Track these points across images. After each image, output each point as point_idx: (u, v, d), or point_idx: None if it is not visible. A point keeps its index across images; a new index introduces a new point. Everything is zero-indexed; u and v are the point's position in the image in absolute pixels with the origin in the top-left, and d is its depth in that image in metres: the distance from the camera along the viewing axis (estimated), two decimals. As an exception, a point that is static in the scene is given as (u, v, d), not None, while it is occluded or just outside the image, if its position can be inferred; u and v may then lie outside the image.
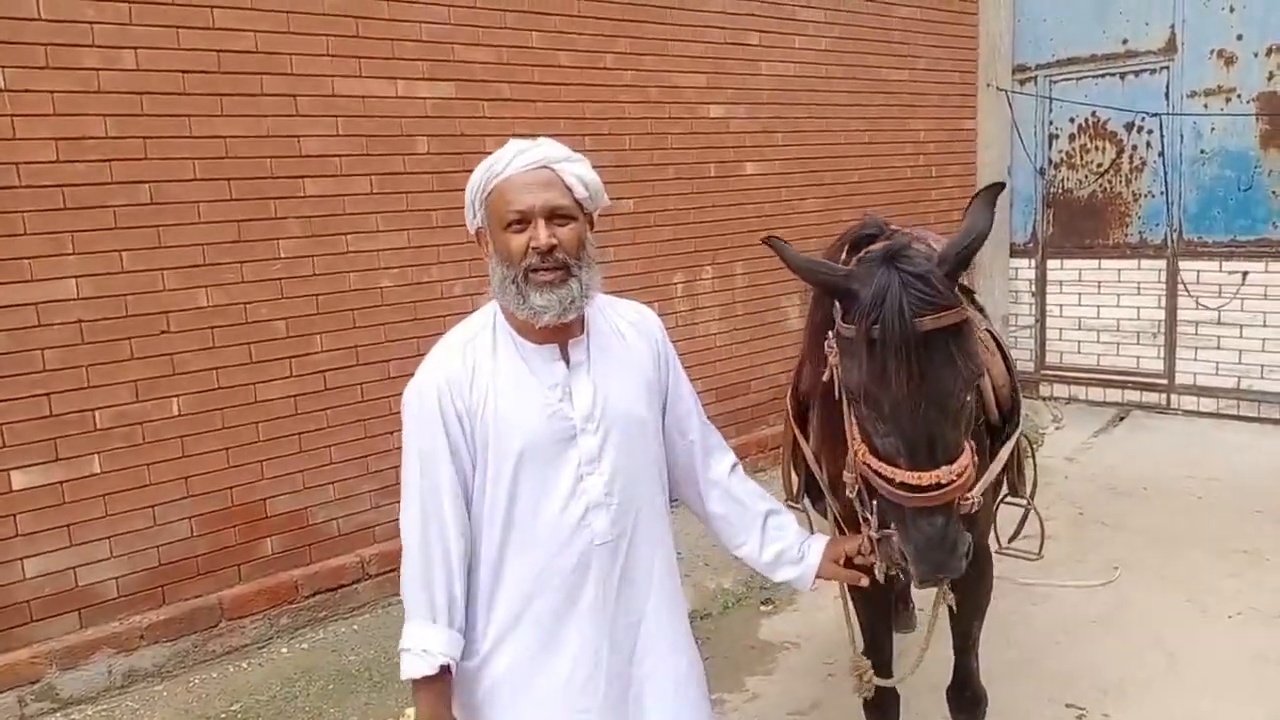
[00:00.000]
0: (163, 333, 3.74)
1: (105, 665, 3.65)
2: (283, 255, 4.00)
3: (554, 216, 1.82)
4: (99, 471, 3.64)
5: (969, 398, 1.92)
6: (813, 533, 2.88)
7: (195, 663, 3.85)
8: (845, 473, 2.10)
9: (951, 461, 1.85)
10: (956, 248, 1.90)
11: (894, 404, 1.82)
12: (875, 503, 2.00)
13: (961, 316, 1.84)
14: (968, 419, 1.95)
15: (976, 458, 2.01)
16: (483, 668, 1.92)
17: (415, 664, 1.83)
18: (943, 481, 1.82)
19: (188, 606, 3.85)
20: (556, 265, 1.81)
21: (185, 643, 3.83)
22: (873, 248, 2.06)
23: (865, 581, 2.21)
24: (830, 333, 2.00)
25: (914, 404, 1.80)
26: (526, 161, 1.83)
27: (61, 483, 3.57)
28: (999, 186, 2.00)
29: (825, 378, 2.07)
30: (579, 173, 1.86)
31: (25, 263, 3.44)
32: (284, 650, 4.00)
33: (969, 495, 1.95)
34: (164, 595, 3.81)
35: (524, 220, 1.81)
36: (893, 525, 1.96)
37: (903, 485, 1.85)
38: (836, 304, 1.97)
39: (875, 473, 1.91)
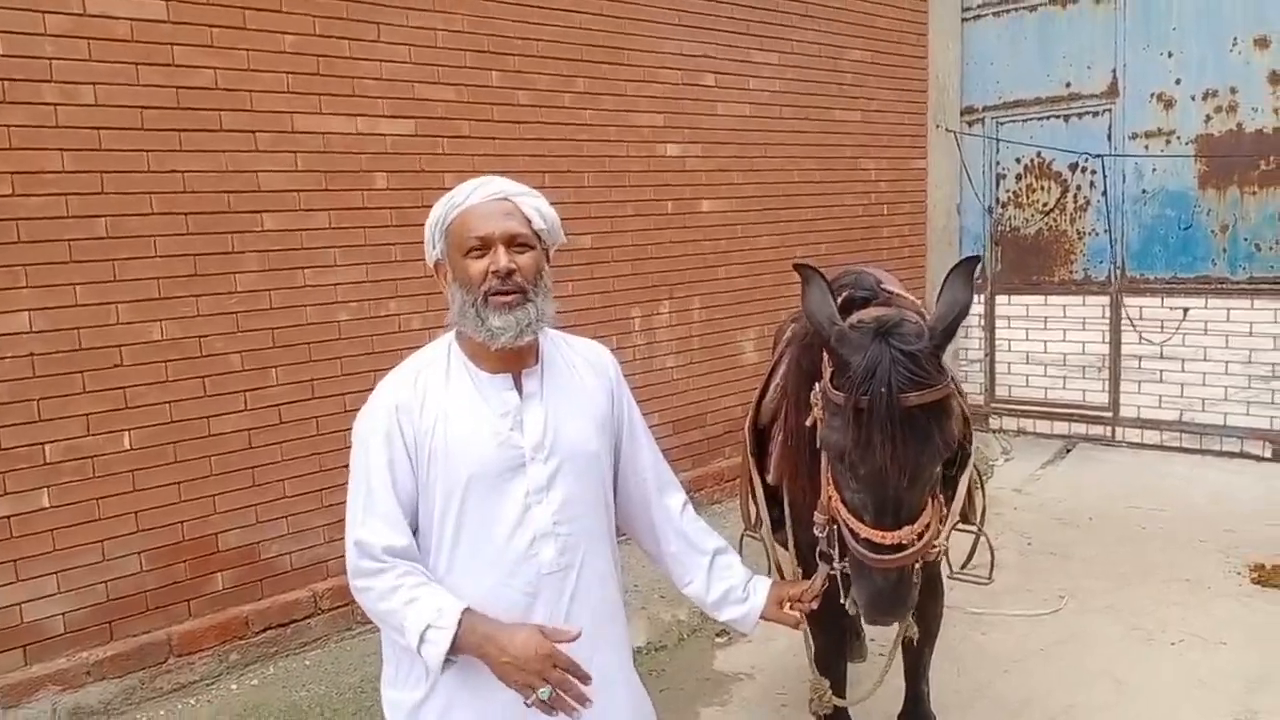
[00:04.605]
0: (116, 366, 3.71)
1: (50, 703, 3.58)
2: (239, 289, 3.99)
3: (513, 244, 1.88)
4: (48, 506, 3.59)
5: (939, 467, 2.02)
6: (770, 561, 2.94)
7: (143, 700, 3.78)
8: (816, 513, 2.18)
9: (914, 520, 1.94)
10: (943, 323, 1.97)
11: (870, 471, 1.91)
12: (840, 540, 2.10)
13: (944, 394, 1.92)
14: (935, 481, 2.04)
15: (941, 500, 2.10)
16: (428, 698, 1.92)
17: (436, 643, 1.77)
18: (904, 542, 1.92)
19: (136, 643, 3.79)
20: (515, 289, 1.86)
21: (133, 679, 3.76)
22: (864, 315, 2.12)
23: (804, 626, 2.31)
24: (817, 385, 2.08)
25: (889, 473, 1.89)
26: (487, 193, 1.90)
27: (9, 517, 3.51)
28: (975, 260, 2.08)
29: (809, 423, 2.16)
30: (537, 205, 1.93)
31: (-23, 295, 3.42)
32: (233, 687, 3.94)
33: (934, 545, 2.06)
34: (112, 631, 3.75)
35: (484, 246, 1.87)
36: (850, 571, 2.07)
37: (866, 541, 1.95)
38: (826, 358, 2.04)
39: (843, 521, 2.01)
